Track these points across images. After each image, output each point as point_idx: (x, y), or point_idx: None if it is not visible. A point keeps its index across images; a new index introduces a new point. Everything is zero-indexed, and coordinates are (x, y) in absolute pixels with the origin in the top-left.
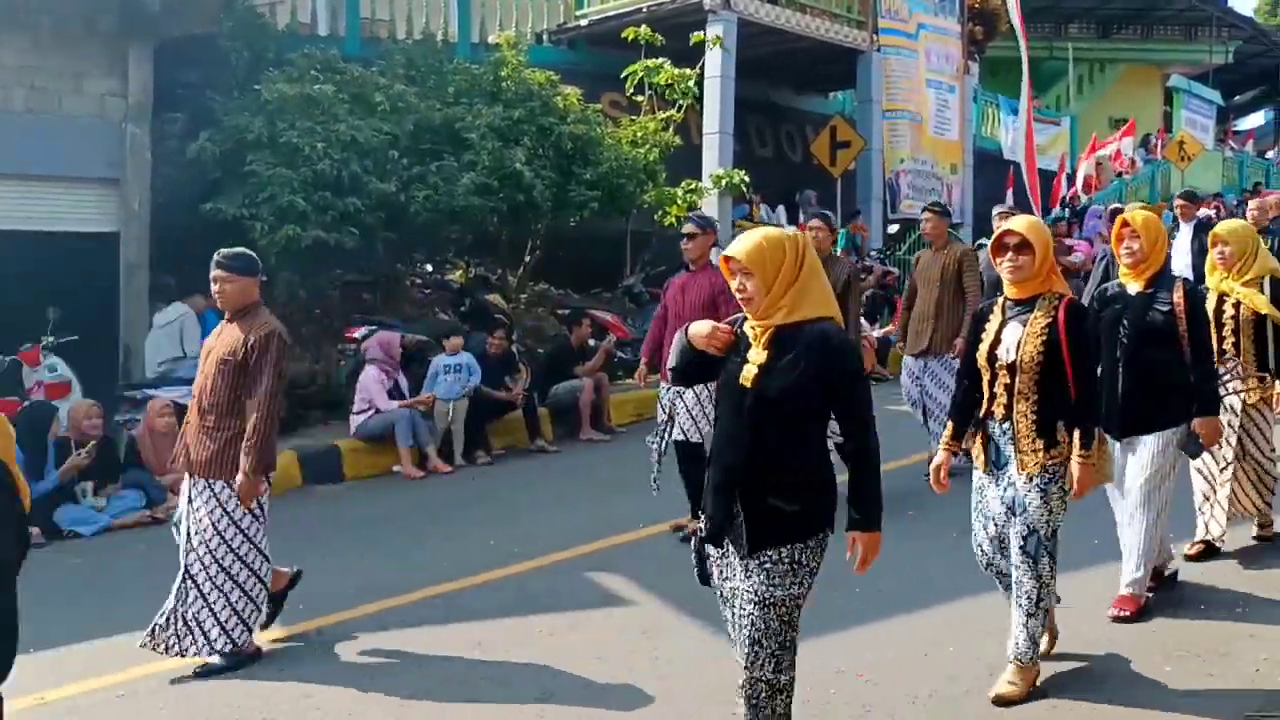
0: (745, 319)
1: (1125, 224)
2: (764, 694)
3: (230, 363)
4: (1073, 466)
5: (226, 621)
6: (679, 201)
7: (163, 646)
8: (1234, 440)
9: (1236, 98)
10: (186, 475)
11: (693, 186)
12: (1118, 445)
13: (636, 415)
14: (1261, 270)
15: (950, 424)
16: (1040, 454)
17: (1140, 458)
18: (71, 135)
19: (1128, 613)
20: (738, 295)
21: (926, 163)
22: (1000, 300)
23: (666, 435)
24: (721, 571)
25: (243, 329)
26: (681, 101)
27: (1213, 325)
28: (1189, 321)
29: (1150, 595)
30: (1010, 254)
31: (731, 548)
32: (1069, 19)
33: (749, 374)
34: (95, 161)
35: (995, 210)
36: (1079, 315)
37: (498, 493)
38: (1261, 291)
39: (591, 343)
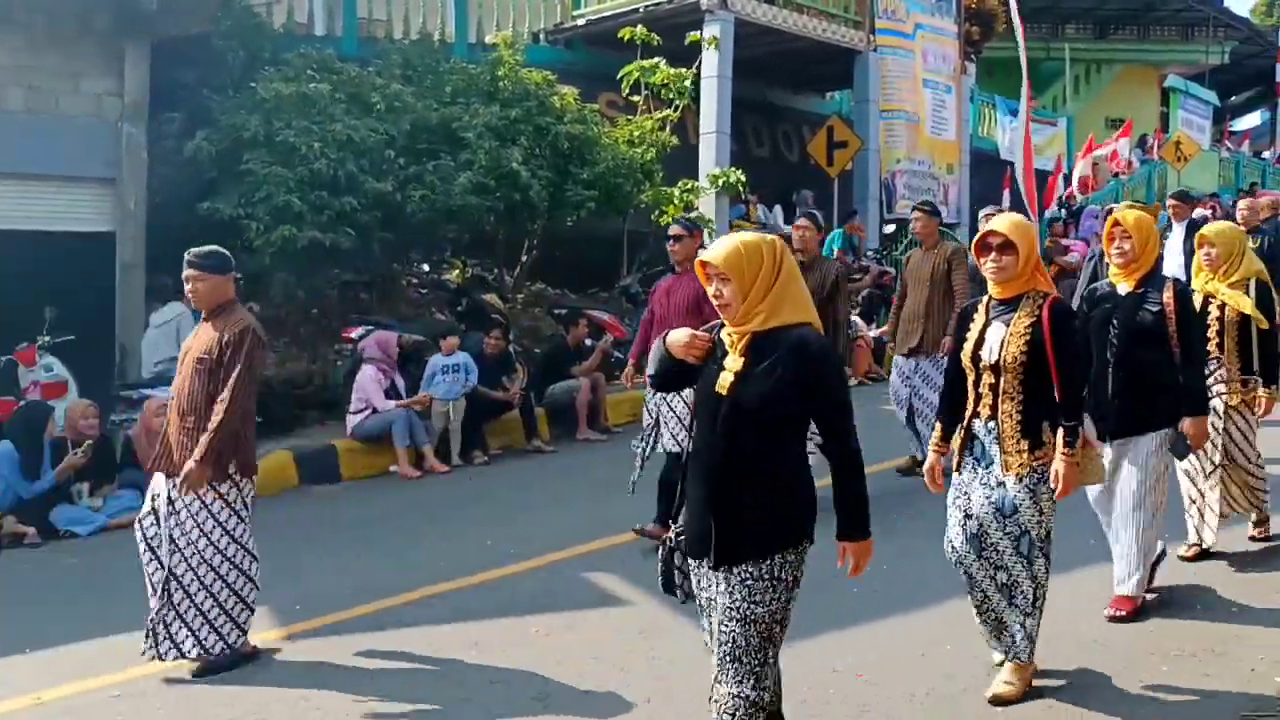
0: (723, 325)
1: (1116, 223)
2: (742, 711)
3: (207, 362)
4: (1056, 465)
5: (218, 622)
6: (676, 201)
7: (159, 653)
8: (1219, 443)
9: (1233, 98)
10: (164, 476)
11: (689, 186)
12: (1108, 446)
13: (633, 415)
14: (1247, 272)
15: (939, 425)
16: (1025, 455)
17: (1134, 459)
18: (68, 135)
19: (1124, 613)
20: (714, 301)
21: (923, 163)
22: (984, 300)
23: (652, 441)
24: (699, 581)
25: (218, 328)
26: (678, 101)
27: None
28: (1179, 322)
29: (1146, 596)
30: (993, 254)
31: (697, 560)
32: (1066, 19)
33: (725, 381)
34: (91, 161)
35: (982, 212)
36: (1063, 314)
37: (494, 493)
38: (1247, 294)
39: (588, 343)
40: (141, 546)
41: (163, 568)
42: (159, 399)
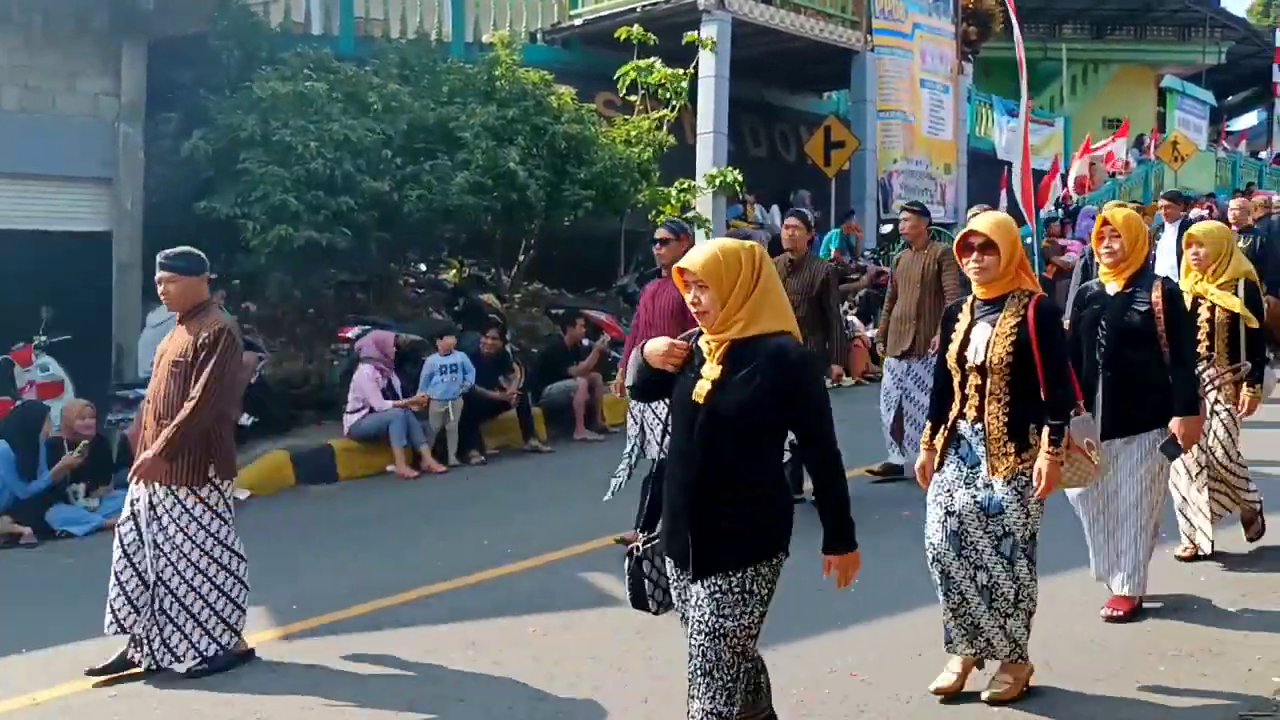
0: (701, 333)
1: (1105, 222)
2: None
3: (182, 365)
4: (1040, 463)
5: (209, 624)
6: (673, 201)
7: (150, 660)
8: (1207, 443)
9: (1229, 98)
10: (142, 483)
11: (686, 186)
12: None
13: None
14: (1236, 273)
15: (928, 425)
16: (1011, 458)
17: (1126, 460)
18: (64, 134)
19: (1121, 613)
20: (692, 309)
21: (920, 163)
22: (969, 300)
23: (640, 448)
24: (681, 594)
25: (192, 330)
26: (675, 101)
27: None
28: (1167, 322)
29: (1143, 596)
30: (975, 254)
31: (681, 569)
32: (1063, 20)
33: (702, 390)
34: (88, 161)
35: (970, 212)
36: (1048, 313)
37: (491, 493)
38: (1236, 294)
39: (585, 343)
40: (117, 554)
41: (139, 577)
42: None
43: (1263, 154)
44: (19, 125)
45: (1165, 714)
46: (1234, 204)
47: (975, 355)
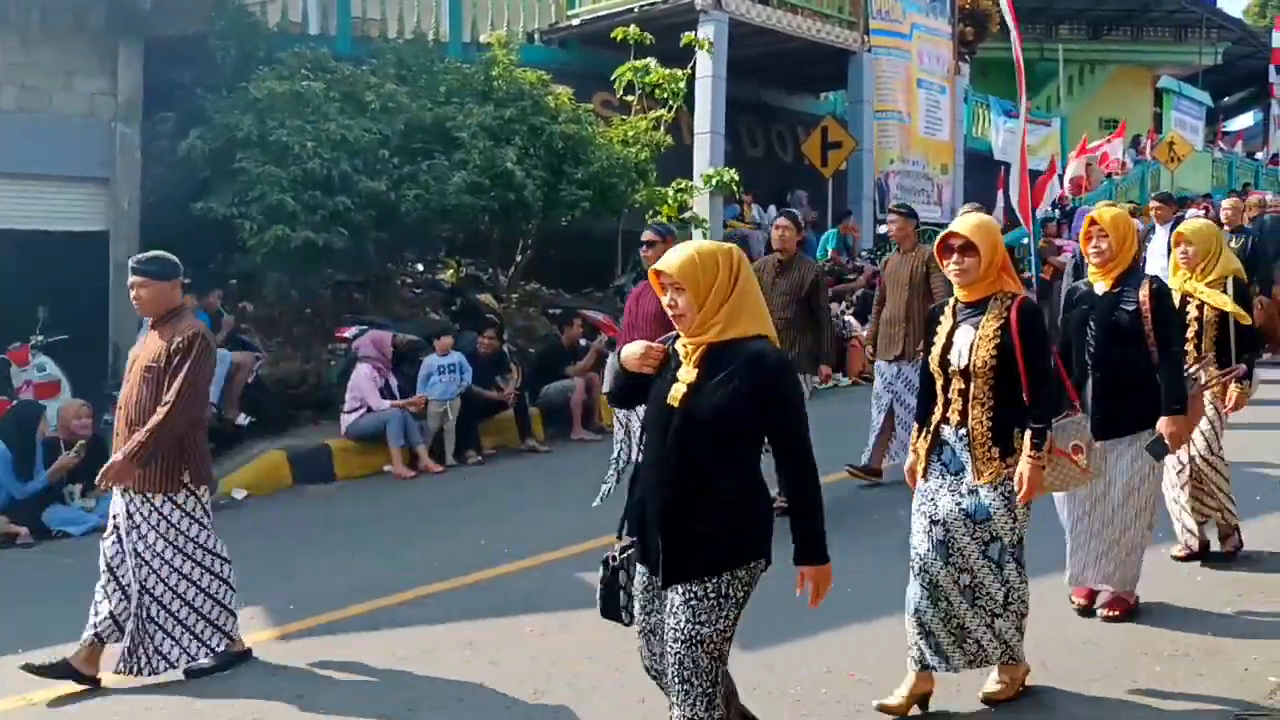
0: (679, 336)
1: (1093, 222)
2: None
3: (155, 370)
4: (1021, 466)
5: (197, 628)
6: (670, 201)
7: (137, 669)
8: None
9: (1226, 99)
10: (118, 491)
11: (684, 186)
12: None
13: (616, 419)
14: (1224, 271)
15: (916, 427)
16: (996, 462)
17: (1119, 460)
18: (61, 134)
19: (1117, 613)
20: (669, 311)
21: (917, 163)
22: (950, 302)
23: (628, 451)
24: (645, 605)
25: (165, 336)
26: (672, 101)
27: None
28: (1155, 320)
29: (1139, 596)
30: (955, 256)
31: (652, 578)
32: (1059, 20)
33: (677, 393)
34: (85, 160)
35: (960, 211)
36: (1031, 315)
37: (489, 492)
38: (1224, 292)
39: (583, 342)
40: (102, 567)
41: (121, 590)
42: None
43: (1259, 154)
44: (15, 125)
45: (1161, 714)
46: (1226, 204)
47: (958, 359)
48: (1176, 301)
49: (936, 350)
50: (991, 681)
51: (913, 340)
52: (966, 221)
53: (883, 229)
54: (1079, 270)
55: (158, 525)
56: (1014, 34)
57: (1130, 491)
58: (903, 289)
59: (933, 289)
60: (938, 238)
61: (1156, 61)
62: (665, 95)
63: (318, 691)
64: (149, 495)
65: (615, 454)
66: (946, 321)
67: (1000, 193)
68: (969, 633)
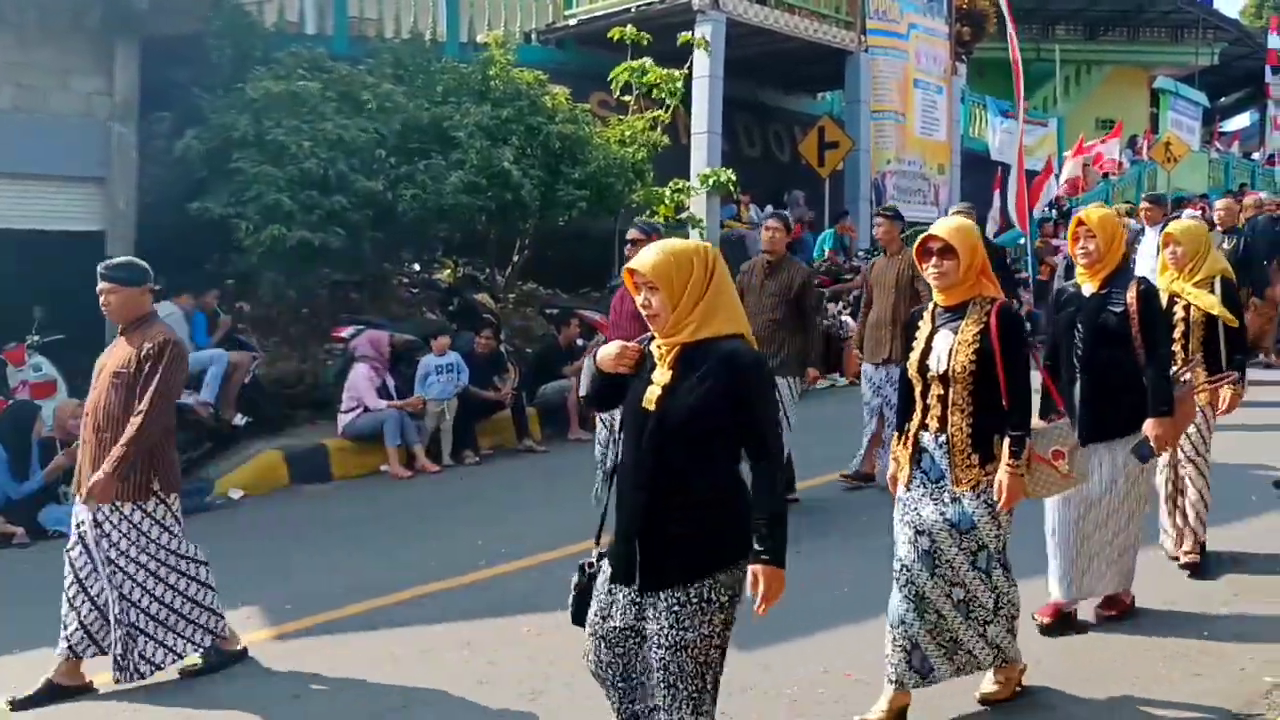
0: (653, 337)
1: (1080, 223)
2: None
3: (125, 376)
4: (1000, 475)
5: (179, 628)
6: (667, 201)
7: (130, 674)
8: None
9: (1222, 99)
10: (81, 500)
11: (681, 186)
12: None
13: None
14: (1211, 271)
15: (896, 435)
16: (975, 469)
17: (1110, 463)
18: (57, 133)
19: (1113, 613)
20: (643, 311)
21: (914, 163)
22: (930, 307)
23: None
24: (601, 609)
25: (134, 342)
26: (669, 101)
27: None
28: (1141, 321)
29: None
30: (934, 259)
31: (625, 585)
32: (1056, 20)
33: (651, 395)
34: (81, 160)
35: (949, 211)
36: (1010, 320)
37: (485, 492)
38: (1212, 292)
39: (579, 342)
40: (70, 579)
41: (91, 602)
42: None
43: (1255, 155)
44: (11, 124)
45: (1159, 714)
46: (1220, 204)
47: (937, 364)
48: (1164, 302)
49: (915, 356)
50: (988, 682)
51: (900, 343)
52: (945, 224)
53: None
54: (1070, 271)
55: (129, 533)
56: (1010, 33)
57: (1124, 495)
58: (889, 291)
59: (919, 292)
60: (916, 241)
61: (1153, 62)
62: (662, 95)
63: (314, 691)
64: (118, 504)
65: (598, 454)
66: (925, 326)
67: (997, 193)
68: (960, 644)
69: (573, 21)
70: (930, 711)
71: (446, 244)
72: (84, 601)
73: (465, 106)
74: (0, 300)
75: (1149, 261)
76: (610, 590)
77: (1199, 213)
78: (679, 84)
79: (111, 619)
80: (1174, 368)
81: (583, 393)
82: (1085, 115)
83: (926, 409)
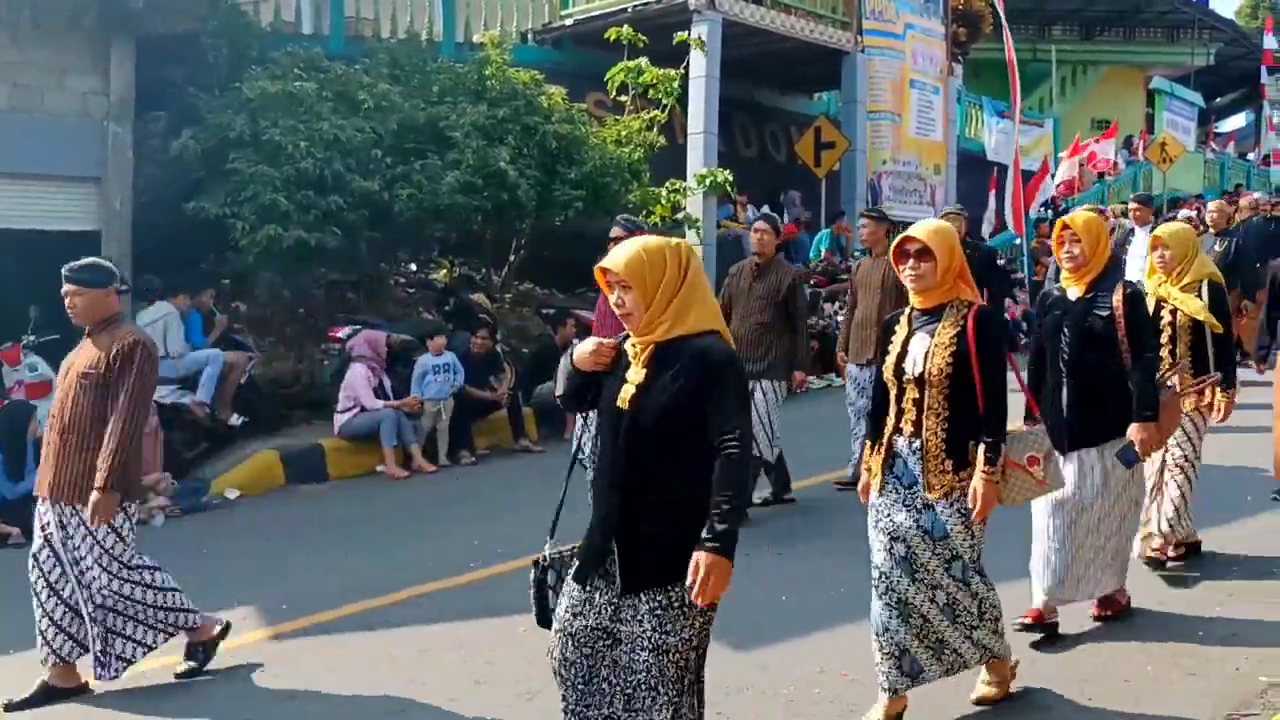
0: (629, 335)
1: (1066, 226)
2: None
3: (93, 377)
4: (975, 482)
5: (153, 619)
6: (663, 201)
7: (111, 670)
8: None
9: (1218, 100)
10: (50, 502)
11: (677, 186)
12: (1065, 462)
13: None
14: (1198, 274)
15: (868, 444)
16: (949, 475)
17: (1098, 467)
18: (53, 133)
19: (1109, 614)
20: (616, 310)
21: (910, 163)
22: (906, 310)
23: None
24: (573, 607)
25: (102, 344)
26: (665, 102)
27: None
28: (1128, 325)
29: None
30: (911, 261)
31: (602, 585)
32: (1052, 21)
33: (626, 395)
34: (77, 160)
35: (941, 212)
36: (987, 324)
37: (482, 492)
38: (1199, 296)
39: (576, 342)
40: (40, 583)
41: (64, 605)
42: None
43: (1250, 155)
44: (7, 124)
45: (1155, 714)
46: (1212, 206)
47: (913, 367)
48: (1151, 305)
49: (891, 359)
50: (981, 684)
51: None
52: (923, 226)
53: None
54: (1060, 273)
55: (87, 538)
56: (1006, 34)
57: (1115, 498)
58: (874, 292)
59: (904, 292)
60: (893, 243)
61: (1149, 62)
62: (658, 95)
63: (310, 692)
64: (78, 507)
65: (574, 449)
66: (902, 330)
67: (992, 193)
68: (947, 645)
69: (569, 21)
70: (930, 712)
71: (443, 244)
72: (56, 605)
73: (461, 106)
74: None
75: (1139, 263)
76: (585, 588)
77: (1193, 213)
78: (675, 84)
79: (86, 616)
80: (1161, 372)
81: (559, 392)
82: (1081, 116)
83: (901, 413)
